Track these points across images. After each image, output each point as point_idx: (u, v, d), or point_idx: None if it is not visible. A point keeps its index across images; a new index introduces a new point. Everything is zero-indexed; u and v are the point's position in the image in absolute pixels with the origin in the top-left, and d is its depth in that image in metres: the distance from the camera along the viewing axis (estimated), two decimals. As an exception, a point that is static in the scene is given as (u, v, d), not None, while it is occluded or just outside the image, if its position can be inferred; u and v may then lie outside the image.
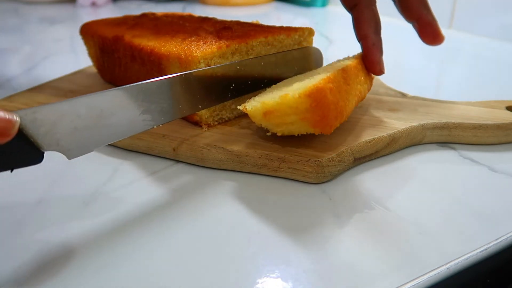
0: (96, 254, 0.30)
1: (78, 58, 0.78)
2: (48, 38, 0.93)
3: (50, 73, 0.68)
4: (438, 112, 0.45)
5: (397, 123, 0.43)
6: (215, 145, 0.40)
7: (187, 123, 0.44)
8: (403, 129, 0.42)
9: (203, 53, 0.40)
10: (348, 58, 0.47)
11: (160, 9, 1.22)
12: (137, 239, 0.31)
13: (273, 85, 0.43)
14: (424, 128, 0.43)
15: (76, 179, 0.39)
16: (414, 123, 0.43)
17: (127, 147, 0.43)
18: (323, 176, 0.37)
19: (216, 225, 0.33)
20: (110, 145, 0.44)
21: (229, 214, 0.34)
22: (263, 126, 0.38)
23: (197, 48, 0.41)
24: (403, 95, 0.50)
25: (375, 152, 0.41)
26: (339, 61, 0.48)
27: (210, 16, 0.56)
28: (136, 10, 1.23)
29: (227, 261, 0.29)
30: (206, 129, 0.43)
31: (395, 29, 0.97)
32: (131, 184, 0.38)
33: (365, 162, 0.41)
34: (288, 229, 0.32)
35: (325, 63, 0.48)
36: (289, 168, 0.37)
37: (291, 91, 0.35)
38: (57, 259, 0.29)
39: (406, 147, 0.43)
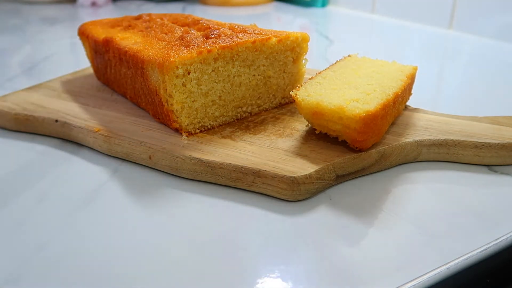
0: (96, 254, 0.30)
1: (78, 59, 0.78)
2: (48, 38, 0.93)
3: (50, 73, 0.68)
4: (438, 127, 0.42)
5: (390, 137, 0.40)
6: (189, 155, 0.38)
7: (169, 130, 0.43)
8: (394, 145, 0.38)
9: (181, 58, 0.38)
10: (361, 59, 0.47)
11: (160, 9, 1.22)
12: (137, 239, 0.31)
13: (329, 70, 0.44)
14: (419, 144, 0.39)
15: (76, 179, 0.39)
16: (409, 139, 0.39)
17: (107, 152, 0.42)
18: (299, 194, 0.35)
19: (219, 225, 0.33)
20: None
21: (226, 213, 0.34)
22: (304, 118, 0.39)
23: (176, 53, 0.39)
24: (405, 106, 0.46)
25: (362, 169, 0.38)
26: (342, 60, 0.48)
27: (209, 16, 0.56)
28: (136, 10, 1.23)
29: (228, 261, 0.29)
30: (186, 137, 0.41)
31: (395, 29, 0.97)
32: (130, 184, 0.38)
33: (350, 179, 0.38)
34: (288, 229, 0.32)
35: (325, 63, 0.48)
36: (263, 183, 0.35)
37: (346, 102, 0.36)
38: (57, 259, 0.29)
39: (399, 164, 0.40)
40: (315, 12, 1.21)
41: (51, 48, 0.85)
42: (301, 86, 0.40)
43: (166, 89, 0.39)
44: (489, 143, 0.39)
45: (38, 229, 0.32)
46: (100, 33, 0.52)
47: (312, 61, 0.66)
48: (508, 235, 0.31)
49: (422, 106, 0.48)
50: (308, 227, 0.32)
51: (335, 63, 0.47)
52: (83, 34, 0.56)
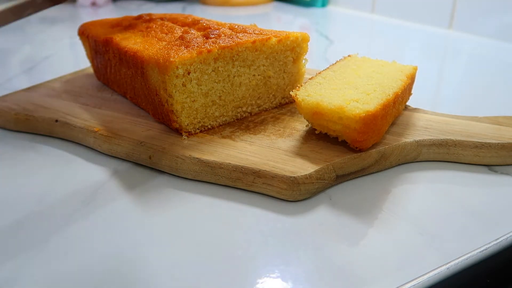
0: (96, 253, 0.30)
1: (78, 59, 0.78)
2: (48, 38, 0.93)
3: (50, 73, 0.68)
4: (438, 127, 0.42)
5: (390, 137, 0.40)
6: (189, 155, 0.38)
7: (169, 130, 0.43)
8: (394, 145, 0.38)
9: (181, 59, 0.38)
10: (361, 59, 0.47)
11: (160, 9, 1.22)
12: (136, 239, 0.31)
13: (330, 70, 0.44)
14: (419, 144, 0.39)
15: (76, 179, 0.39)
16: (409, 139, 0.39)
17: (107, 152, 0.42)
18: (299, 194, 0.35)
19: (217, 225, 0.33)
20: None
21: (226, 213, 0.34)
22: (304, 118, 0.39)
23: (176, 53, 0.39)
24: (405, 106, 0.46)
25: (362, 169, 0.38)
26: (342, 60, 0.48)
27: (209, 16, 0.56)
28: (136, 10, 1.23)
29: (228, 261, 0.29)
30: (186, 137, 0.41)
31: (395, 29, 0.97)
32: (130, 184, 0.38)
33: (350, 179, 0.38)
34: (288, 229, 0.32)
35: (325, 63, 0.48)
36: (263, 183, 0.35)
37: (346, 102, 0.36)
38: (57, 259, 0.29)
39: (399, 164, 0.40)
40: (315, 12, 1.21)
41: (51, 48, 0.85)
42: (301, 86, 0.40)
43: (166, 89, 0.39)
44: (489, 143, 0.39)
45: (38, 229, 0.32)
46: (100, 33, 0.52)
47: (312, 61, 0.66)
48: (508, 235, 0.31)
49: (422, 106, 0.48)
50: (308, 227, 0.32)
51: (335, 63, 0.47)
52: (83, 34, 0.56)
